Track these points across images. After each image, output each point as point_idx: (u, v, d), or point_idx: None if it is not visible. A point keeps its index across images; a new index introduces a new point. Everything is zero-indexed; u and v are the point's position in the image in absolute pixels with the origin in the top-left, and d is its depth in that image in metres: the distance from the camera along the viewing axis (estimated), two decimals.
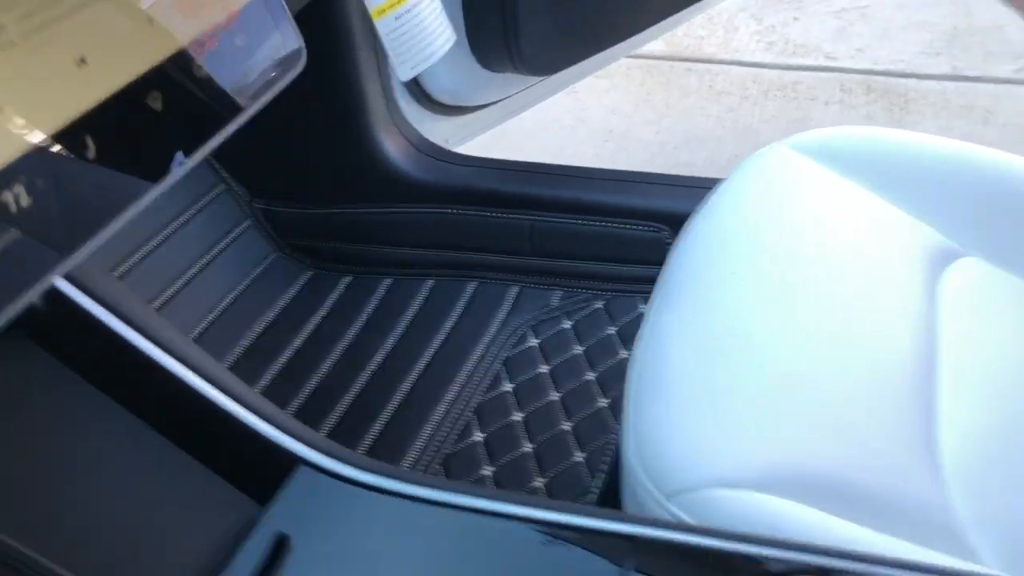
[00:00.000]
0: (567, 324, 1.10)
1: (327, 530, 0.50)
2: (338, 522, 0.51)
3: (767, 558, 0.45)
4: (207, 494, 0.52)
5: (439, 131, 1.29)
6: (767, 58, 2.38)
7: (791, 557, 0.44)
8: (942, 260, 0.80)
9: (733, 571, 0.47)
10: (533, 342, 1.09)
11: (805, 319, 0.70)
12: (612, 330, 1.08)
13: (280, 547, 0.49)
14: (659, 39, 2.45)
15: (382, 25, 0.75)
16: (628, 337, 1.06)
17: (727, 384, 0.63)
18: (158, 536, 0.50)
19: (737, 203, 0.82)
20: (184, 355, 0.51)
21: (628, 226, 1.10)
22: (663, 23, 1.36)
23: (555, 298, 1.14)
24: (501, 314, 1.13)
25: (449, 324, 1.13)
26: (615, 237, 1.11)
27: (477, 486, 0.61)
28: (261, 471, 0.52)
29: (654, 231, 1.09)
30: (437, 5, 0.81)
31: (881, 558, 0.44)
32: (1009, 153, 0.86)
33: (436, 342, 1.11)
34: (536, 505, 0.48)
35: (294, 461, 0.53)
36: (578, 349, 1.07)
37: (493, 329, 1.11)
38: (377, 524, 0.51)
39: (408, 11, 0.75)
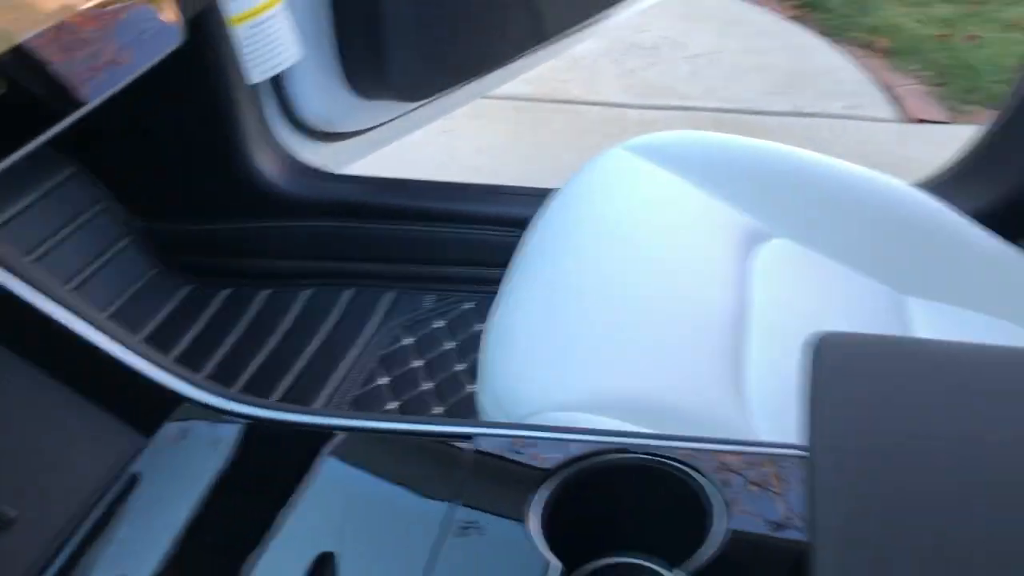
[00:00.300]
0: (440, 323, 1.19)
1: (193, 457, 0.57)
2: (208, 448, 0.57)
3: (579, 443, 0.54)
4: (93, 429, 0.57)
5: (316, 159, 1.36)
6: (628, 99, 2.55)
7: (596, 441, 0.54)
8: (755, 240, 0.93)
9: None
10: (408, 341, 1.16)
11: (636, 283, 0.80)
12: (481, 327, 1.17)
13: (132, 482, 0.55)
14: (526, 82, 2.60)
15: (239, 31, 0.83)
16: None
17: (566, 332, 0.73)
18: (44, 467, 0.55)
19: (581, 194, 0.93)
20: (71, 304, 0.57)
21: (492, 232, 1.20)
22: (530, 57, 1.47)
23: (428, 301, 1.23)
24: (376, 318, 1.20)
25: (326, 329, 1.19)
26: (480, 243, 1.21)
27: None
28: (147, 408, 0.59)
29: (516, 235, 1.19)
30: (285, 24, 0.89)
31: (668, 435, 0.54)
32: (812, 152, 1.00)
33: (313, 346, 1.17)
34: (384, 419, 0.56)
35: (177, 399, 0.60)
36: (450, 344, 1.16)
37: (369, 332, 1.18)
38: (247, 449, 0.58)
39: (261, 23, 0.84)
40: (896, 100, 2.42)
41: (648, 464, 0.53)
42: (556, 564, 0.47)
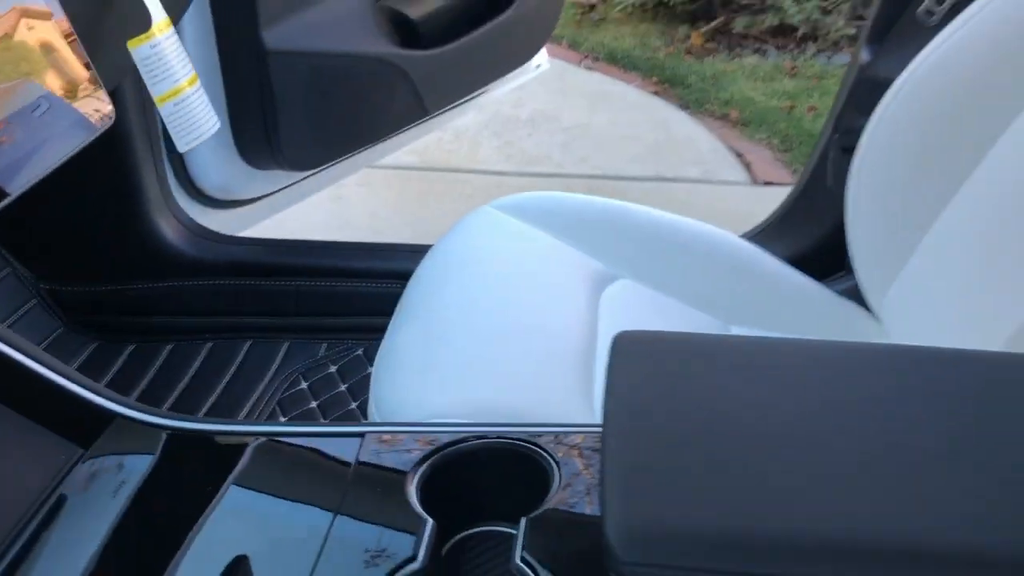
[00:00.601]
0: (332, 368, 1.30)
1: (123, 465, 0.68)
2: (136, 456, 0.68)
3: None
4: (35, 443, 0.68)
5: (214, 224, 1.47)
6: (507, 167, 2.75)
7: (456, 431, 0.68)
8: (603, 281, 1.09)
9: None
10: (303, 385, 1.28)
11: (502, 316, 0.95)
12: (370, 370, 1.30)
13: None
14: (413, 153, 2.76)
15: (163, 109, 0.95)
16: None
17: (441, 355, 0.87)
18: None
19: (456, 245, 1.08)
20: (10, 339, 0.68)
21: (377, 285, 1.34)
22: (412, 131, 1.62)
23: (321, 349, 1.34)
24: (274, 366, 1.31)
25: (226, 378, 1.29)
26: (367, 295, 1.34)
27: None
28: (82, 425, 0.70)
29: (399, 287, 1.32)
30: (203, 100, 1.02)
31: (518, 423, 0.68)
32: (650, 208, 1.18)
33: (214, 394, 1.27)
34: (272, 424, 0.68)
35: (112, 416, 0.71)
36: (342, 387, 1.27)
37: (267, 378, 1.29)
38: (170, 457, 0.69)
39: (183, 100, 0.96)
40: (746, 165, 2.68)
41: (501, 446, 0.67)
42: (431, 522, 0.60)
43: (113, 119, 0.79)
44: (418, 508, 0.62)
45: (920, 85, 1.00)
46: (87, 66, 0.78)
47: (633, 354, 0.58)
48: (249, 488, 0.66)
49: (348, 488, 0.64)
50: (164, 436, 0.70)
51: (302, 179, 1.57)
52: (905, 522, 0.45)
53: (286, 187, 1.58)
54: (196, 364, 1.32)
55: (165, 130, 1.35)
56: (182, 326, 1.36)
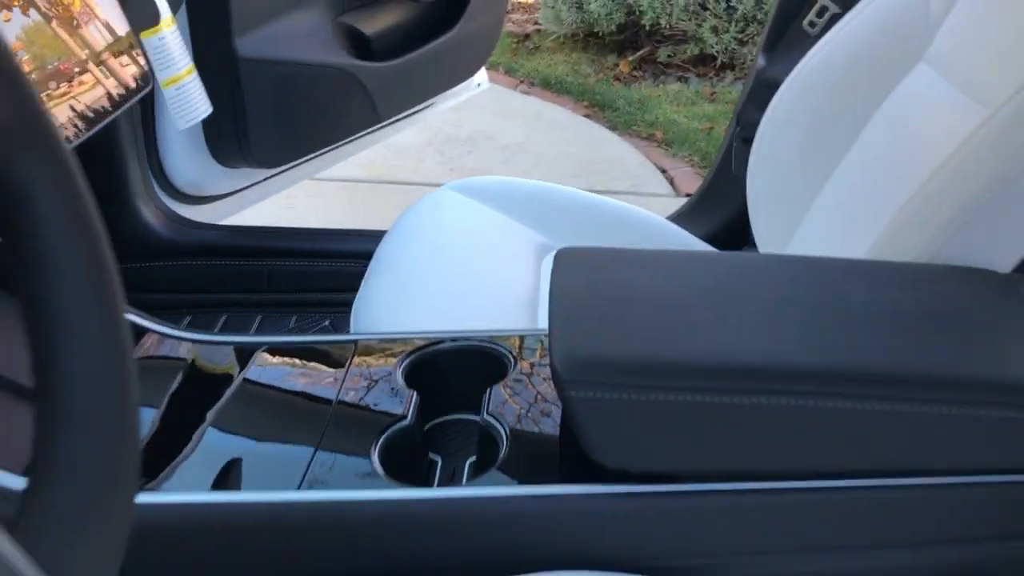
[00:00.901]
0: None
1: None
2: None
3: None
4: None
5: (188, 215, 1.60)
6: (450, 179, 2.92)
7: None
8: (544, 250, 1.27)
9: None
10: None
11: (460, 268, 1.12)
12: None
13: None
14: (360, 167, 2.92)
15: (167, 93, 1.11)
16: None
17: (411, 295, 1.03)
18: None
19: (417, 219, 1.25)
20: None
21: (342, 264, 1.49)
22: (365, 138, 1.78)
23: (291, 321, 1.49)
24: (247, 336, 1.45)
25: None
26: (332, 273, 1.50)
27: None
28: None
29: (360, 265, 1.48)
30: (199, 84, 1.17)
31: (484, 330, 0.85)
32: (588, 192, 1.37)
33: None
34: (273, 335, 0.84)
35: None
36: None
37: None
38: None
39: (183, 85, 1.11)
40: (670, 180, 2.91)
41: (470, 346, 0.84)
42: (415, 393, 0.76)
43: (149, 83, 0.95)
44: (404, 386, 0.78)
45: (805, 82, 1.21)
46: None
47: (572, 259, 0.75)
48: (257, 386, 0.82)
49: (344, 382, 0.80)
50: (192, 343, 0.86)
51: (267, 177, 1.72)
52: (762, 351, 0.63)
53: (252, 185, 1.73)
54: None
55: (146, 132, 1.50)
56: (160, 303, 1.49)
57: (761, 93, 1.34)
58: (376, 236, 1.51)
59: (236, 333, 0.85)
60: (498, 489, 0.66)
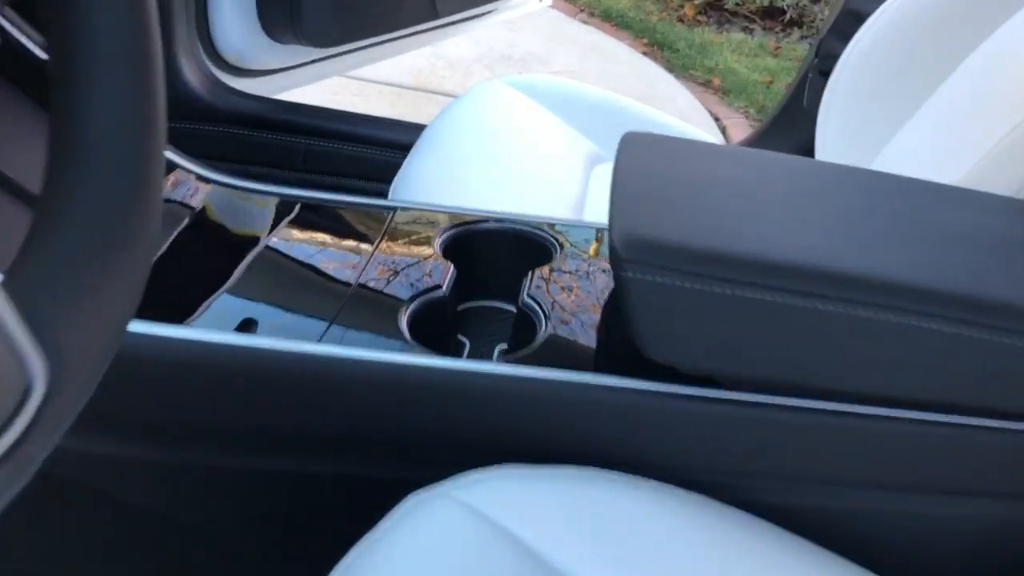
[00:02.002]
0: None
1: None
2: None
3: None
4: None
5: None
6: None
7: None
8: (595, 160, 1.21)
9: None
10: None
11: (509, 159, 1.06)
12: None
13: None
14: (408, 75, 2.84)
15: None
16: None
17: (455, 177, 0.98)
18: None
19: (467, 108, 1.18)
20: None
21: (380, 152, 1.44)
22: (419, 35, 1.71)
23: None
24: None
25: None
26: (369, 160, 1.44)
27: None
28: None
29: (398, 157, 1.42)
30: None
31: (525, 214, 0.80)
32: (639, 103, 1.30)
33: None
34: (308, 188, 0.78)
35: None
36: None
37: None
38: None
39: None
40: (722, 129, 2.81)
41: (516, 229, 0.78)
42: (452, 265, 0.71)
43: None
44: (441, 259, 0.73)
45: (893, 19, 1.13)
46: None
47: (641, 142, 0.69)
48: (288, 240, 0.76)
49: (378, 246, 0.75)
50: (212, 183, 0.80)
51: (315, 60, 1.66)
52: (839, 257, 0.57)
53: (299, 65, 1.67)
54: None
55: None
56: None
57: (846, 24, 1.26)
58: (419, 130, 1.45)
59: (272, 183, 0.79)
60: (528, 370, 0.61)
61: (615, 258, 0.57)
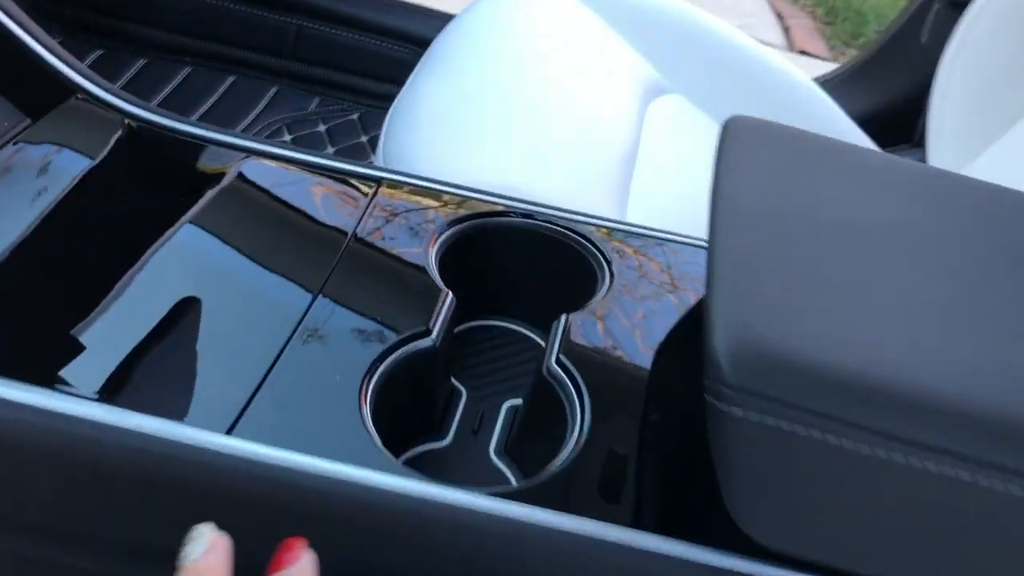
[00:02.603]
0: (322, 127, 1.16)
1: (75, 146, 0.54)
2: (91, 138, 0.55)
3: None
4: None
5: None
6: None
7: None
8: (653, 92, 0.95)
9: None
10: (286, 138, 1.13)
11: (540, 94, 0.81)
12: (364, 138, 1.15)
13: None
14: None
15: None
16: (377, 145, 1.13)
17: (468, 122, 0.73)
18: None
19: (491, 9, 0.92)
20: None
21: (385, 44, 1.17)
22: None
23: (312, 104, 1.19)
24: (257, 109, 1.16)
25: (201, 109, 1.14)
26: (371, 53, 1.18)
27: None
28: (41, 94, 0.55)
29: (409, 52, 1.16)
30: None
31: (566, 208, 0.56)
32: (717, 18, 1.03)
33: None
34: (282, 147, 0.54)
35: (72, 90, 0.56)
36: (329, 150, 1.13)
37: (247, 120, 1.14)
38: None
39: None
40: (785, 29, 2.49)
41: (546, 229, 0.55)
42: (450, 296, 0.48)
43: None
44: (437, 277, 0.50)
45: None
46: None
47: (747, 143, 0.45)
48: (226, 214, 0.53)
49: (352, 242, 0.52)
50: (129, 126, 0.57)
51: None
52: None
53: None
54: (169, 87, 1.15)
55: None
56: (154, 40, 1.19)
57: None
58: (439, 20, 1.18)
59: (218, 130, 0.55)
60: (556, 518, 0.39)
61: (715, 380, 0.34)
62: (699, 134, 0.96)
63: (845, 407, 0.33)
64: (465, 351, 0.55)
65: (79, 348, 0.43)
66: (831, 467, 0.34)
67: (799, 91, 1.01)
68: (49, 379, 0.41)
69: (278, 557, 0.32)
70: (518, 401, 0.53)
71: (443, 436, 0.50)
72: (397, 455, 0.49)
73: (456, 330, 0.56)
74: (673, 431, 0.43)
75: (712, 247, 0.39)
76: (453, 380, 0.53)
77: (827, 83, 1.14)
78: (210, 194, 0.53)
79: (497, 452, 0.50)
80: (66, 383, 0.41)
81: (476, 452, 0.50)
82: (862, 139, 1.00)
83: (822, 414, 0.33)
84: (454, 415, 0.51)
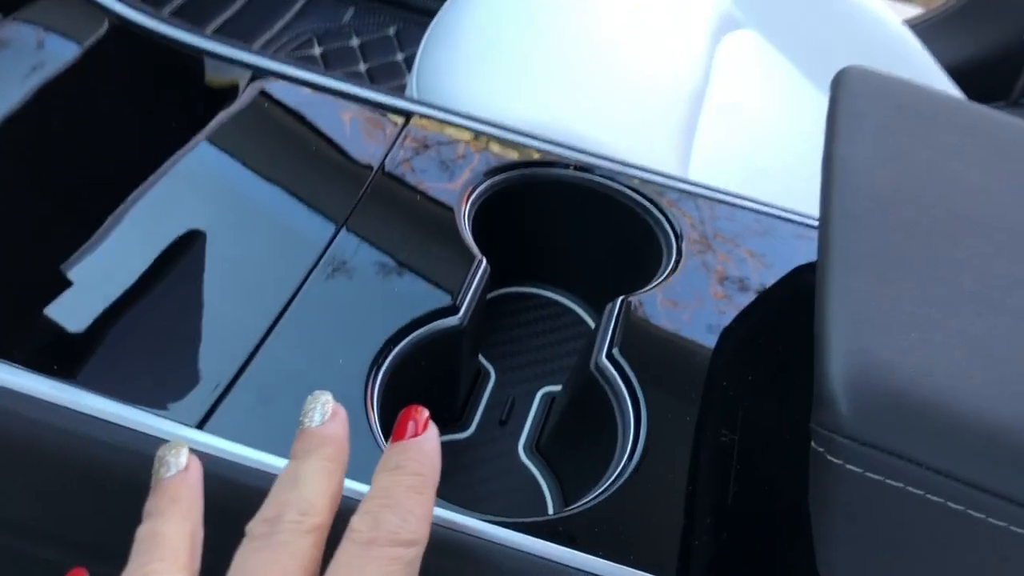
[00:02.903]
0: (355, 41, 1.06)
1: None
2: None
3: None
4: None
5: None
6: None
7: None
8: (727, 26, 0.84)
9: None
10: (315, 51, 1.04)
11: (597, 30, 0.71)
12: (399, 56, 1.05)
13: None
14: None
15: None
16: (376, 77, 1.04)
17: (516, 54, 0.63)
18: None
19: None
20: None
21: None
22: None
23: (347, 15, 1.09)
24: (287, 17, 1.06)
25: (226, 15, 1.04)
26: None
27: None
28: None
29: None
30: None
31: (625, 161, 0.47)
32: None
33: (207, 27, 1.03)
34: (313, 71, 0.46)
35: None
36: (362, 67, 1.04)
37: (275, 29, 1.04)
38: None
39: None
40: None
41: (601, 185, 0.46)
42: (484, 263, 0.40)
43: None
44: (469, 240, 0.42)
45: None
46: None
47: (867, 102, 0.36)
48: (231, 136, 0.45)
49: (368, 193, 0.43)
50: (116, 26, 0.48)
51: None
52: None
53: None
54: None
55: None
56: None
57: None
58: None
59: (239, 46, 0.47)
60: (594, 562, 0.31)
61: (827, 425, 0.26)
62: (774, 77, 0.86)
63: (1001, 476, 0.25)
64: (498, 323, 0.47)
65: (66, 283, 0.36)
66: (971, 546, 0.26)
67: (890, 36, 0.90)
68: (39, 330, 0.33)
69: (401, 426, 0.27)
70: (556, 389, 0.45)
71: (465, 426, 0.43)
72: None
73: (489, 296, 0.48)
74: (749, 460, 0.35)
75: (826, 240, 0.30)
76: (481, 358, 0.45)
77: (915, 28, 1.02)
78: (222, 114, 0.45)
79: (527, 449, 0.42)
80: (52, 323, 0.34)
81: (502, 447, 0.43)
82: (945, 84, 0.89)
83: (970, 483, 0.25)
84: (479, 401, 0.44)
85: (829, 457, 0.26)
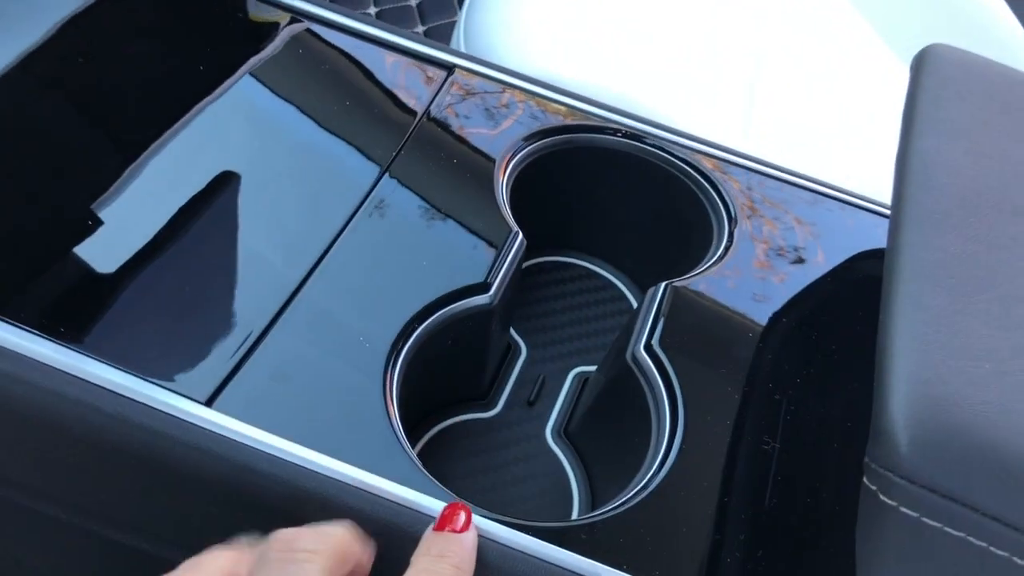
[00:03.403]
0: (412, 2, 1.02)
1: None
2: None
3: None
4: None
5: None
6: None
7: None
8: None
9: None
10: (372, 10, 1.00)
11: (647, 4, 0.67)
12: (441, 21, 1.02)
13: None
14: None
15: None
16: (427, 10, 1.00)
17: (567, 16, 0.60)
18: None
19: None
20: None
21: None
22: None
23: None
24: None
25: None
26: None
27: None
28: None
29: None
30: None
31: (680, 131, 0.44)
32: None
33: None
34: (363, 20, 0.43)
35: None
36: (411, 1, 1.00)
37: None
38: None
39: None
40: None
41: (653, 155, 0.43)
42: (520, 236, 0.38)
43: None
44: (506, 211, 0.39)
45: None
46: None
47: (954, 88, 0.32)
48: (267, 81, 0.43)
49: (408, 143, 0.41)
50: None
51: None
52: None
53: None
54: None
55: None
56: None
57: None
58: None
59: None
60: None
61: (883, 462, 0.23)
62: (853, 43, 0.80)
63: None
64: (531, 295, 0.45)
65: (96, 224, 0.34)
66: None
67: (984, 6, 0.84)
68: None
69: (447, 518, 0.29)
70: (590, 370, 0.43)
71: (492, 405, 0.41)
72: (432, 426, 0.39)
73: (524, 265, 0.45)
74: (792, 474, 0.32)
75: (896, 245, 0.27)
76: (512, 332, 0.43)
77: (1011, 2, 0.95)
78: (258, 56, 0.43)
79: (555, 433, 0.40)
80: (62, 281, 0.32)
81: (529, 429, 0.40)
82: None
83: None
84: (508, 379, 0.42)
85: (882, 497, 0.23)
